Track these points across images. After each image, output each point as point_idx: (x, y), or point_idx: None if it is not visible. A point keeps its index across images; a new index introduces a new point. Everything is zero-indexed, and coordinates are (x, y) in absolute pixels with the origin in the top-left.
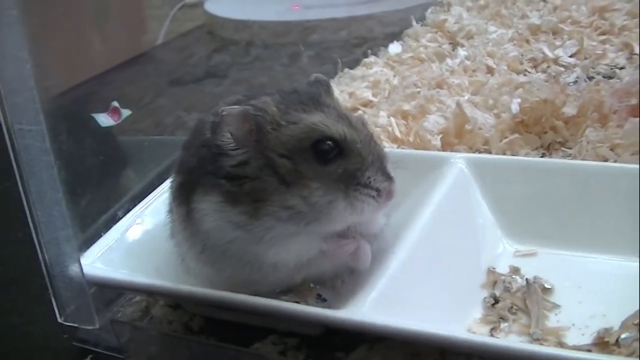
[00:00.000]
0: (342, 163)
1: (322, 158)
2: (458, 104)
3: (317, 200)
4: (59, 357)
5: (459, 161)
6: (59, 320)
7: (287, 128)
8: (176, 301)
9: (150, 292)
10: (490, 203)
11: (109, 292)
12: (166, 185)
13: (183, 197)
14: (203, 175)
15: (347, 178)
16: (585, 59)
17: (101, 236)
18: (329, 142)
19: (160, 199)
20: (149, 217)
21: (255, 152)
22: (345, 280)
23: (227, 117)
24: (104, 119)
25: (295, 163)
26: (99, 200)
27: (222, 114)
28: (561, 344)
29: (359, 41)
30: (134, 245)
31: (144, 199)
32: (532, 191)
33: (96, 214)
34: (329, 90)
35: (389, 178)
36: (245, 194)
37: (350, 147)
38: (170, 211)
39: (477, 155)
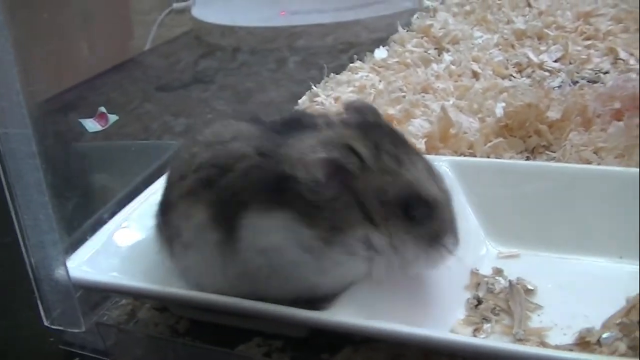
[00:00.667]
0: (429, 224)
1: (411, 214)
2: (443, 108)
3: (405, 253)
4: None
5: (442, 164)
6: (45, 323)
7: (381, 176)
8: (162, 304)
9: (136, 295)
10: (474, 206)
11: (95, 295)
12: (153, 189)
13: (218, 219)
14: (260, 195)
15: (432, 237)
16: (570, 63)
17: (87, 240)
18: (423, 205)
19: (146, 203)
20: (135, 220)
21: (340, 190)
22: None
23: (307, 165)
24: (91, 124)
25: (385, 209)
26: (85, 204)
27: (300, 157)
28: (543, 344)
29: (345, 47)
30: (120, 249)
31: (129, 202)
32: (516, 194)
33: (82, 218)
34: (383, 119)
35: (458, 241)
36: (323, 218)
37: (437, 209)
38: (166, 226)
39: (460, 158)
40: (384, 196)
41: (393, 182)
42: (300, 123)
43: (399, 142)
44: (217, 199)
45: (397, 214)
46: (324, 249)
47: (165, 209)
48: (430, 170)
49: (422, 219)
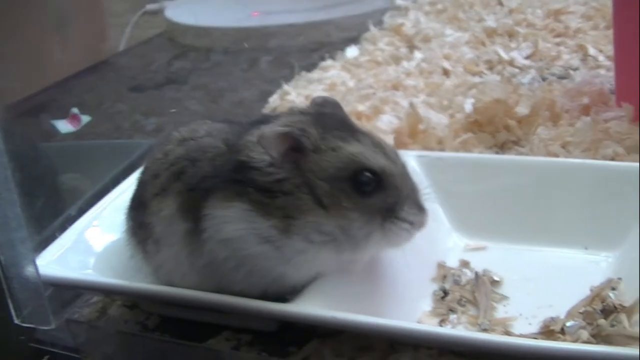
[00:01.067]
0: (380, 196)
1: (360, 189)
2: (411, 104)
3: (355, 233)
4: (16, 358)
5: (410, 158)
6: (16, 321)
7: (326, 154)
8: (132, 300)
9: (105, 291)
10: (441, 199)
11: (66, 293)
12: (123, 187)
13: (186, 208)
14: (222, 183)
15: (385, 211)
16: (540, 60)
17: (57, 238)
18: (368, 174)
19: (116, 201)
20: (105, 218)
21: (292, 171)
22: None
23: (266, 138)
24: (64, 126)
25: (334, 189)
26: (55, 203)
27: (260, 135)
28: (508, 334)
29: (317, 46)
30: (90, 247)
31: (99, 201)
32: (482, 187)
33: (52, 216)
34: (343, 112)
35: (422, 210)
36: (277, 207)
37: (388, 180)
38: (139, 227)
39: (427, 152)
40: (331, 174)
41: (337, 157)
42: (266, 119)
43: (346, 126)
44: (185, 188)
45: (345, 190)
46: (282, 238)
47: (138, 209)
48: (378, 144)
49: (370, 191)
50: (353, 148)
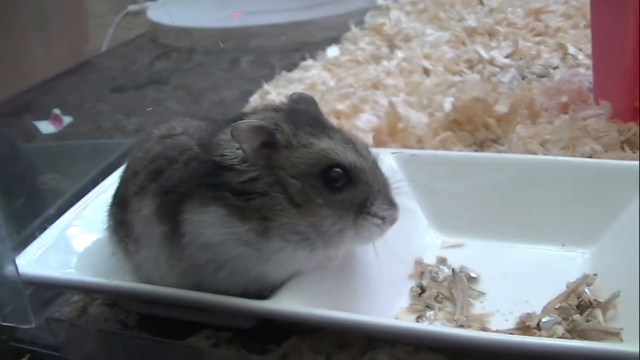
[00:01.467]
0: (351, 191)
1: (331, 185)
2: (390, 103)
3: (327, 229)
4: None
5: (387, 157)
6: None
7: (297, 150)
8: (112, 299)
9: (85, 290)
10: (419, 197)
11: (47, 293)
12: (103, 186)
13: (163, 211)
14: (198, 188)
15: (356, 206)
16: (520, 59)
17: (37, 237)
18: (339, 170)
19: (96, 200)
20: (85, 218)
21: (265, 168)
22: None
23: (239, 131)
24: (45, 127)
25: (305, 186)
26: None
27: (233, 127)
28: (485, 329)
29: (298, 46)
30: (70, 246)
31: (79, 200)
32: (460, 184)
33: (32, 216)
34: (318, 108)
35: (393, 205)
36: (253, 210)
37: (359, 175)
38: (120, 225)
39: (405, 150)
40: (302, 170)
41: (307, 153)
42: (242, 116)
43: (318, 123)
44: (161, 190)
45: (316, 187)
46: (260, 240)
47: (119, 207)
48: (349, 140)
49: (341, 187)
50: (323, 144)
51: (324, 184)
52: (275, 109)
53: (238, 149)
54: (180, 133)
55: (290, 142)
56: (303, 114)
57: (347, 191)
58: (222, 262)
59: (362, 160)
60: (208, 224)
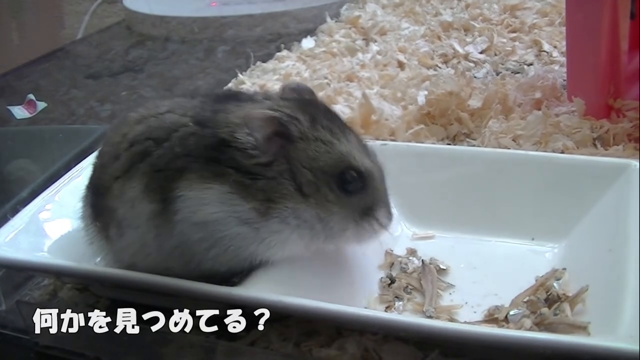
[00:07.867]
0: (361, 195)
1: (344, 186)
2: (364, 95)
3: (333, 225)
4: None
5: None
6: None
7: (314, 144)
8: (83, 283)
9: (56, 273)
10: (390, 188)
11: (18, 276)
12: (75, 171)
13: (152, 190)
14: (196, 163)
15: (363, 210)
16: (495, 55)
17: (9, 220)
18: (354, 174)
19: (69, 184)
20: (58, 202)
21: (276, 156)
22: None
23: (252, 119)
24: (19, 112)
25: (318, 180)
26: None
27: (246, 115)
28: (452, 321)
29: (273, 37)
30: (42, 229)
31: (51, 184)
32: (431, 176)
33: (3, 200)
34: (316, 97)
35: (391, 214)
36: (257, 189)
37: (370, 181)
38: (99, 213)
39: (376, 142)
40: (318, 165)
41: (327, 152)
42: (237, 97)
43: (333, 117)
44: (152, 169)
45: (329, 184)
46: (261, 220)
47: (97, 194)
48: (363, 144)
49: (354, 190)
50: (343, 147)
51: (337, 184)
52: (283, 98)
53: (249, 134)
54: (166, 111)
55: (306, 134)
56: (316, 106)
57: (358, 195)
58: (216, 240)
59: (374, 166)
60: (207, 201)
